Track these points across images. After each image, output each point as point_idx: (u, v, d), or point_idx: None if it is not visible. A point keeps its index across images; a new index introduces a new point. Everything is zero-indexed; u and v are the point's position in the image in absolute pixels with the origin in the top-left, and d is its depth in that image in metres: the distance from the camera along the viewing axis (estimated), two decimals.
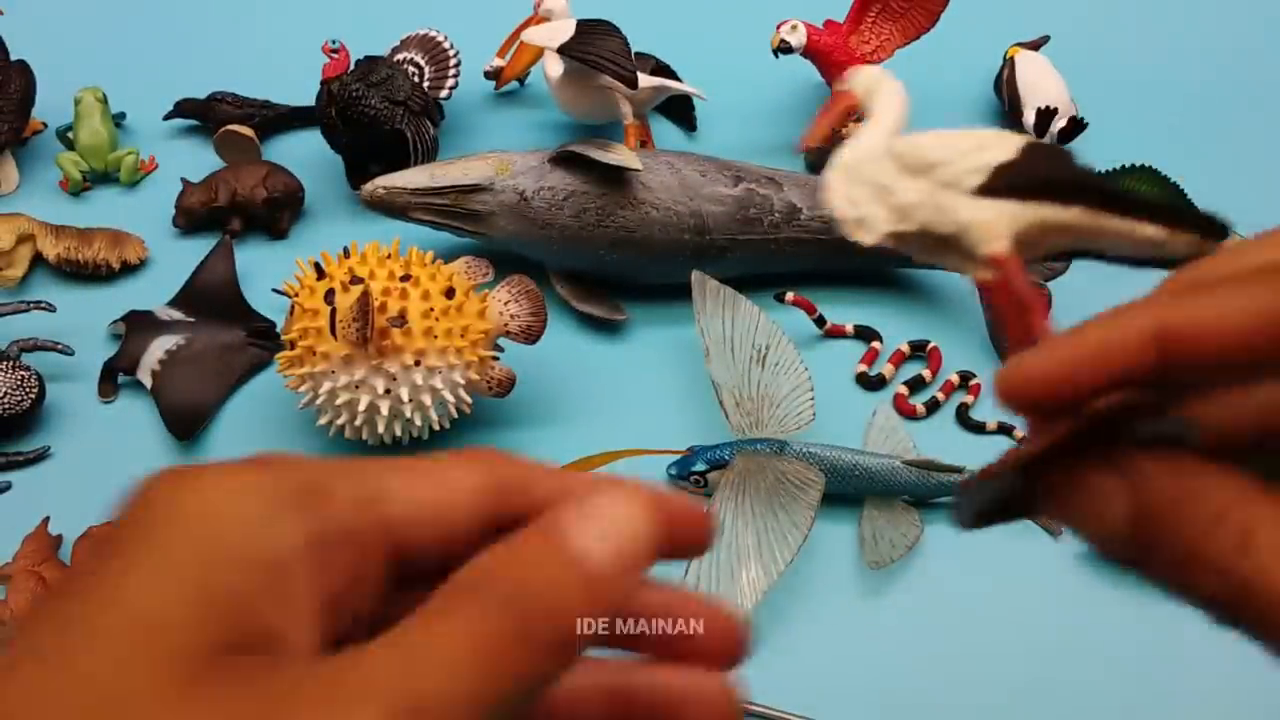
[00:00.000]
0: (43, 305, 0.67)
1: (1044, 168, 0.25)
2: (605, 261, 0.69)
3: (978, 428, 0.64)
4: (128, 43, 0.90)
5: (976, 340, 0.69)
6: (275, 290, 0.67)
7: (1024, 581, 0.57)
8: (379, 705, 0.19)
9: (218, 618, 0.20)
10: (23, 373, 0.63)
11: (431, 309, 0.56)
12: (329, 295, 0.57)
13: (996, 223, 0.25)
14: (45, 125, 0.80)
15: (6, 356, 0.63)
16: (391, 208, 0.69)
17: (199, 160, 0.79)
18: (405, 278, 0.57)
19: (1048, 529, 0.59)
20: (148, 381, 0.65)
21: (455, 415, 0.60)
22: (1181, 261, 0.23)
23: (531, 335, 0.61)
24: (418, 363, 0.56)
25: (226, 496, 0.21)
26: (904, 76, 0.92)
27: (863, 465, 0.59)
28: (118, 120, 0.80)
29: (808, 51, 0.76)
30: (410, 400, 0.57)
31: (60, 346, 0.65)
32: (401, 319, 0.56)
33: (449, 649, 0.20)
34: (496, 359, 0.61)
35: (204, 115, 0.81)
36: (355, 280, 0.57)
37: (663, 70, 0.78)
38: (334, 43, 0.84)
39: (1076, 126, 0.77)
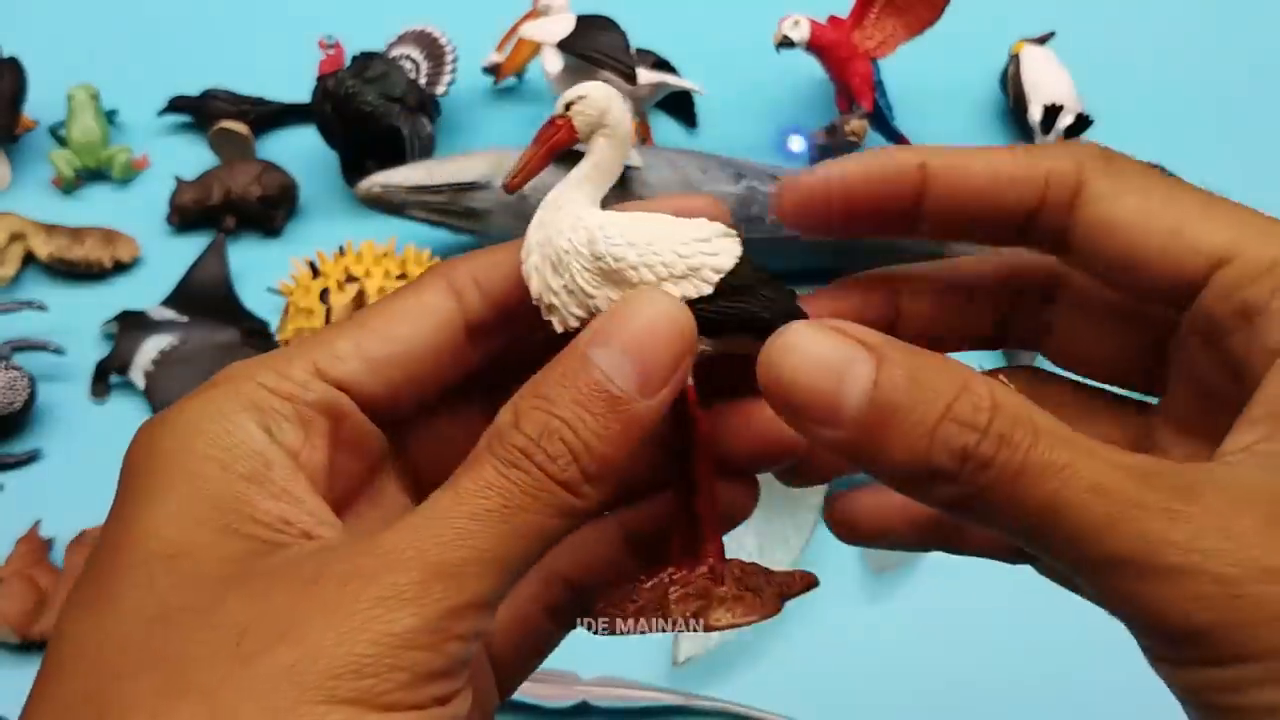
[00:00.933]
0: (34, 305, 0.66)
1: (736, 308, 0.25)
2: None
3: None
4: (120, 39, 0.89)
5: None
6: (270, 289, 0.67)
7: (1029, 587, 0.56)
8: (410, 573, 0.20)
9: (231, 530, 0.21)
10: (14, 373, 0.62)
11: None
12: (324, 295, 0.56)
13: None
14: (37, 123, 0.79)
15: None
16: (388, 205, 0.68)
17: (193, 157, 0.78)
18: (401, 276, 0.56)
19: None
20: (140, 382, 0.64)
21: None
22: None
23: None
24: None
25: (197, 423, 0.23)
26: (908, 72, 0.92)
27: None
28: (110, 117, 0.79)
29: (811, 47, 0.75)
30: None
31: (52, 346, 0.65)
32: None
33: (469, 511, 0.21)
34: None
35: (198, 112, 0.81)
36: (351, 279, 0.56)
37: (662, 66, 0.77)
38: (330, 38, 0.83)
39: (1082, 123, 0.76)
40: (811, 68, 0.78)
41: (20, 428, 0.63)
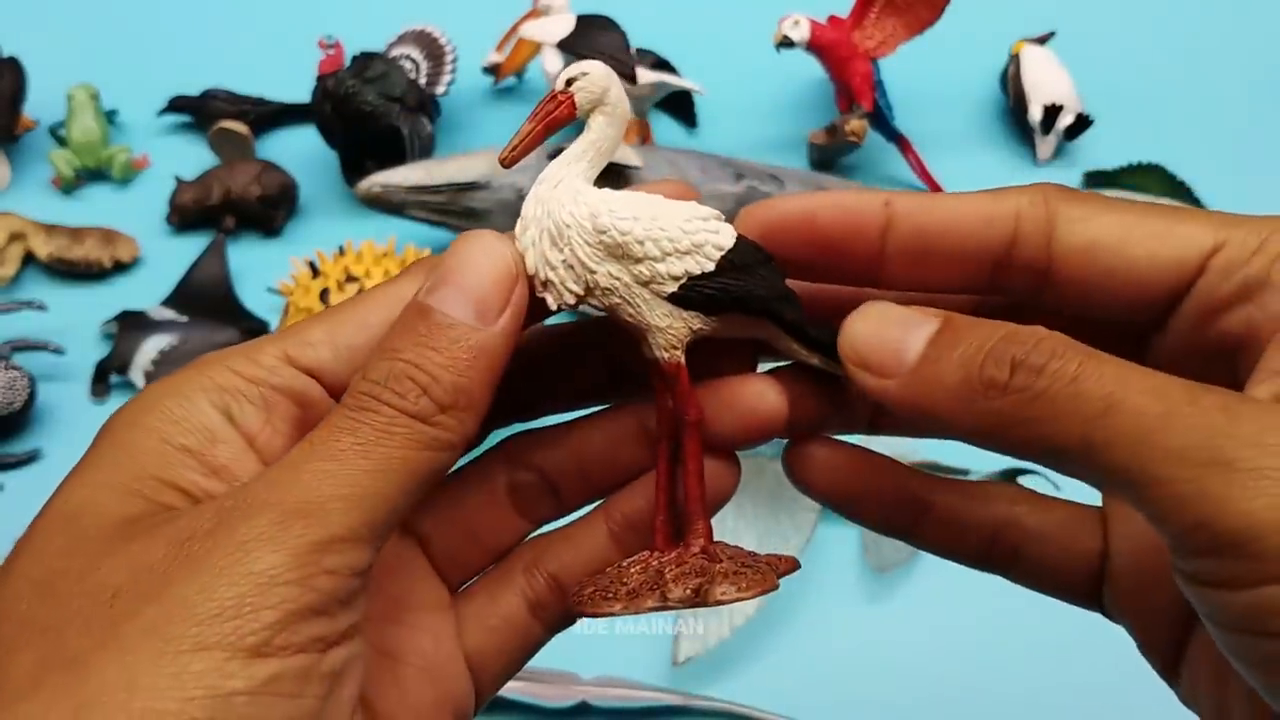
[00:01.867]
0: (34, 304, 0.66)
1: (737, 285, 0.26)
2: None
3: None
4: (120, 39, 0.89)
5: None
6: (270, 289, 0.67)
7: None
8: (268, 515, 0.21)
9: (135, 492, 0.22)
10: (14, 373, 0.62)
11: None
12: (324, 295, 0.56)
13: (678, 333, 0.26)
14: (37, 122, 0.79)
15: None
16: (387, 205, 0.68)
17: (193, 157, 0.78)
18: None
19: None
20: (140, 382, 0.64)
21: None
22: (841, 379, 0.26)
23: None
24: None
25: (156, 400, 0.23)
26: (908, 72, 0.92)
27: None
28: (110, 117, 0.79)
29: (811, 46, 0.75)
30: None
31: (52, 346, 0.65)
32: None
33: (322, 453, 0.22)
34: None
35: (198, 112, 0.81)
36: (350, 279, 0.56)
37: (663, 66, 0.77)
38: (329, 38, 0.83)
39: (1082, 123, 0.76)
40: (811, 68, 0.78)
41: (20, 428, 0.63)
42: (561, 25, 0.72)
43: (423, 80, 0.78)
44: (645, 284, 0.25)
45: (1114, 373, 0.21)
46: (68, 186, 0.76)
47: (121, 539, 0.21)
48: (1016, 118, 0.80)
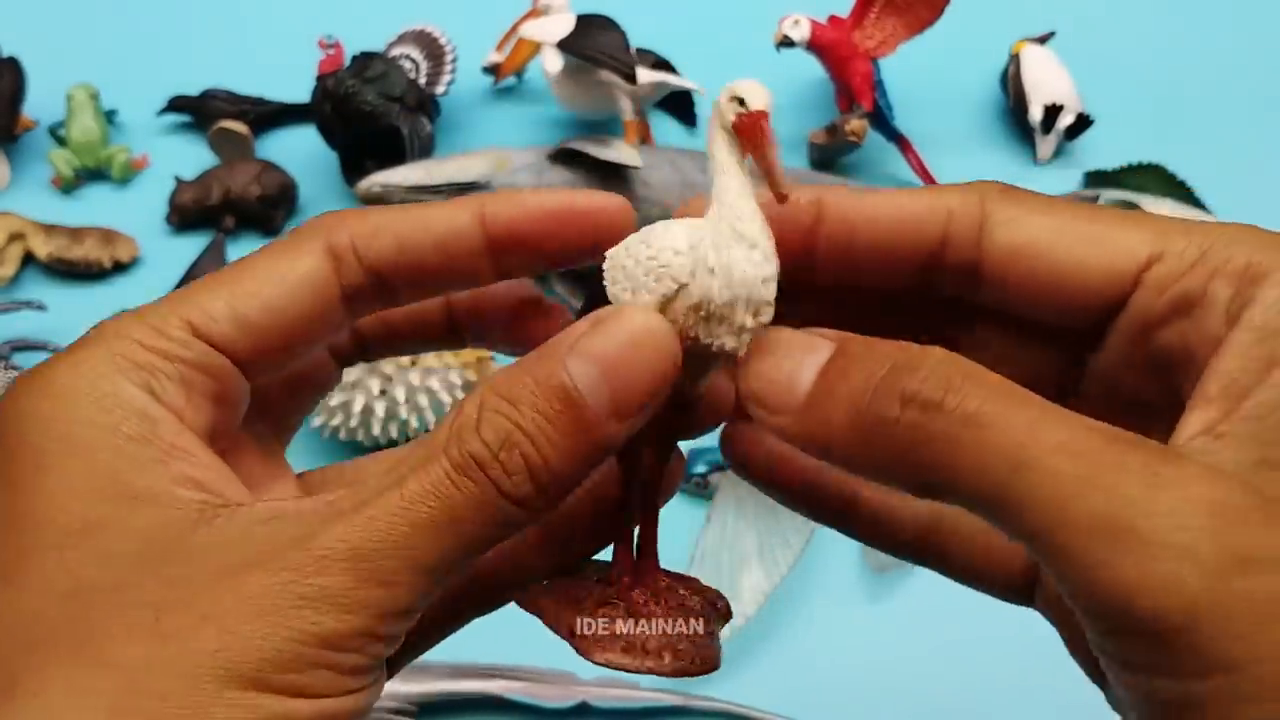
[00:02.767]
0: (34, 305, 0.66)
1: None
2: None
3: None
4: (120, 39, 0.89)
5: None
6: None
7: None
8: (345, 576, 0.20)
9: (135, 500, 0.21)
10: (13, 373, 0.62)
11: None
12: None
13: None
14: (36, 122, 0.79)
15: None
16: (387, 204, 0.68)
17: (192, 157, 0.78)
18: None
19: None
20: None
21: None
22: None
23: None
24: (413, 363, 0.55)
25: (73, 385, 0.22)
26: (908, 72, 0.92)
27: None
28: (110, 117, 0.79)
29: (811, 46, 0.75)
30: (406, 401, 0.56)
31: (51, 346, 0.65)
32: None
33: (412, 519, 0.20)
34: (494, 360, 0.60)
35: (197, 111, 0.80)
36: None
37: (663, 66, 0.77)
38: (329, 38, 0.83)
39: (1082, 123, 0.76)
40: (811, 67, 0.78)
41: None
42: (561, 25, 0.71)
43: (423, 80, 0.78)
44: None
45: (1024, 420, 0.19)
46: (67, 186, 0.76)
47: (153, 558, 0.20)
48: (1017, 118, 0.80)
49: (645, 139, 0.76)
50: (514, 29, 0.81)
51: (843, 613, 0.56)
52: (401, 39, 0.81)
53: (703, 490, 0.58)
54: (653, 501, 0.26)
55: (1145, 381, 0.23)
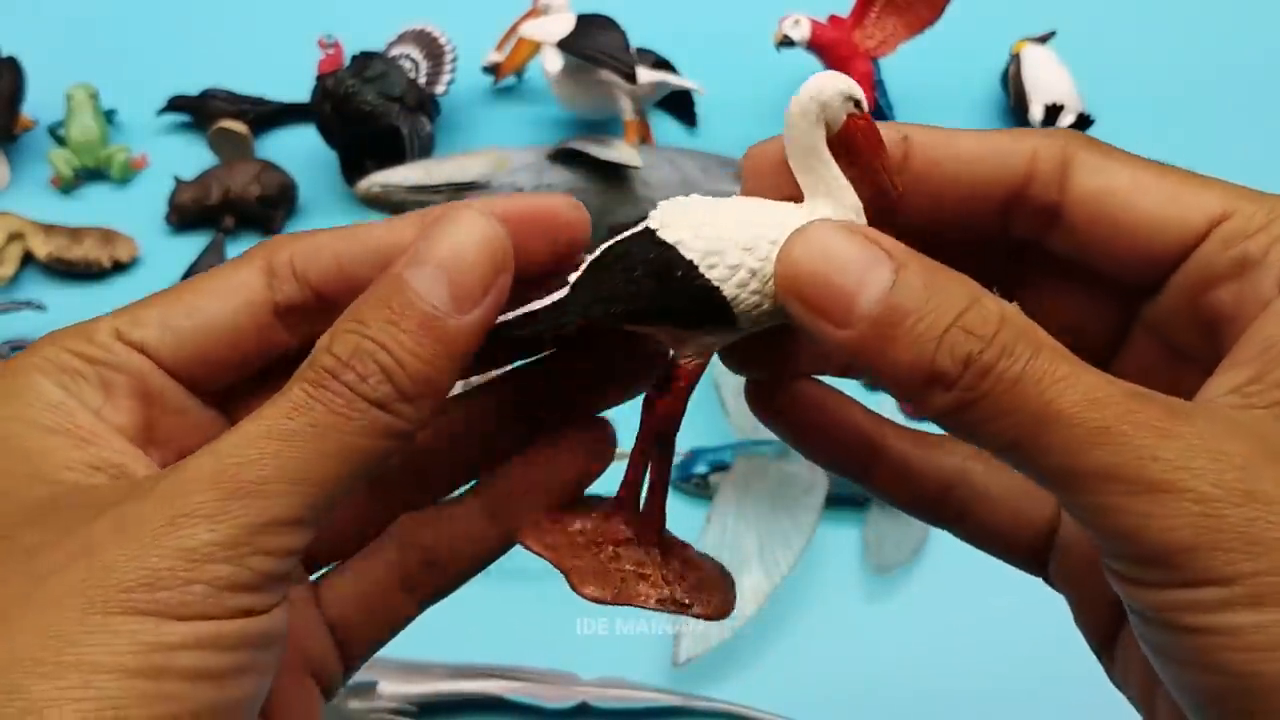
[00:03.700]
0: (33, 305, 0.66)
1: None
2: None
3: None
4: (120, 39, 0.89)
5: None
6: None
7: (1031, 587, 0.56)
8: (209, 492, 0.20)
9: (39, 477, 0.22)
10: None
11: None
12: None
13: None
14: (36, 122, 0.79)
15: None
16: (387, 205, 0.68)
17: (192, 157, 0.78)
18: None
19: None
20: None
21: None
22: None
23: None
24: None
25: (3, 388, 0.23)
26: (908, 72, 0.92)
27: None
28: (109, 117, 0.79)
29: (811, 46, 0.75)
30: None
31: None
32: None
33: (273, 430, 0.21)
34: None
35: (197, 111, 0.80)
36: None
37: (663, 66, 0.77)
38: (329, 38, 0.83)
39: (1083, 122, 0.76)
40: (812, 67, 0.78)
41: None
42: (561, 25, 0.71)
43: (422, 80, 0.78)
44: None
45: (1054, 375, 0.21)
46: (67, 186, 0.76)
47: (40, 513, 0.21)
48: (1017, 117, 0.80)
49: (645, 139, 0.76)
50: (514, 29, 0.81)
51: (843, 613, 0.56)
52: (401, 39, 0.81)
53: (703, 490, 0.58)
54: (667, 440, 0.26)
55: (1194, 338, 0.24)
